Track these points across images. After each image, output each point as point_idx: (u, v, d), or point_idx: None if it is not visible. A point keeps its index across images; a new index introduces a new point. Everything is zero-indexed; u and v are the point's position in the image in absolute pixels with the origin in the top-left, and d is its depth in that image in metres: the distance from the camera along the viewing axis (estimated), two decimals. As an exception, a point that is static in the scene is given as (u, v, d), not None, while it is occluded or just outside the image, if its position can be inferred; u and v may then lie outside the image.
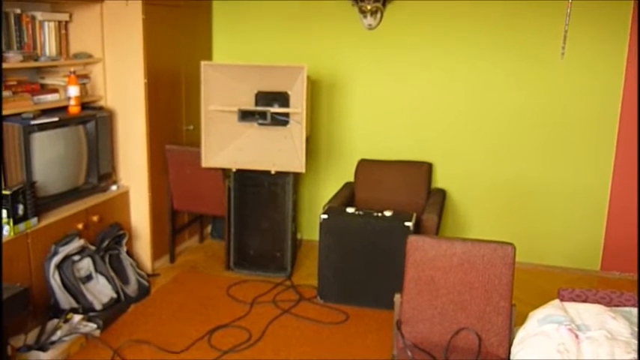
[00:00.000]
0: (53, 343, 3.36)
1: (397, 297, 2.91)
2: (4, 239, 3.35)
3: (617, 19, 4.43)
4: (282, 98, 4.44)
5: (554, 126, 4.72)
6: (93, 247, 3.96)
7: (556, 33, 4.57)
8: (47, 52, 3.99)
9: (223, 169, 4.56)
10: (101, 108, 4.28)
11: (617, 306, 2.89)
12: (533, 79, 4.70)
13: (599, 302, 2.91)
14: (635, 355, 2.27)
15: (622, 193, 4.66)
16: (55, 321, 3.49)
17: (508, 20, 4.65)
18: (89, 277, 3.86)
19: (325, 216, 4.13)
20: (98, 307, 3.77)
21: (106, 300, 3.85)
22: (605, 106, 4.59)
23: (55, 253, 3.66)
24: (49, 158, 3.78)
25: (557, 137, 4.73)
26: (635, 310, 2.75)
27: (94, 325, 3.65)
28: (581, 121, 4.66)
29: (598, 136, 4.65)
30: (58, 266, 3.65)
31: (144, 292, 4.23)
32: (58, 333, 3.42)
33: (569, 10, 4.49)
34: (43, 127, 3.68)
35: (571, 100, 4.65)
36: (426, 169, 4.84)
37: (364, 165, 4.93)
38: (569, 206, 4.80)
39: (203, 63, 4.32)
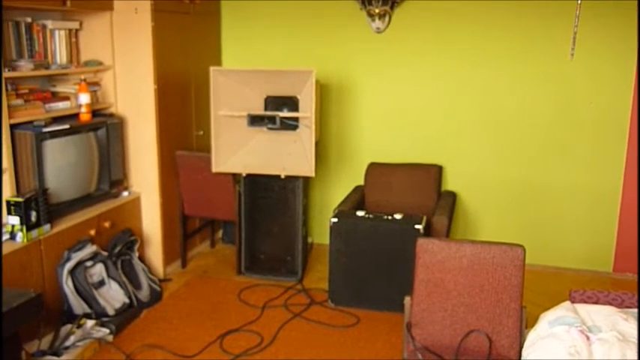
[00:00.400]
0: (67, 348, 3.39)
1: (407, 299, 2.92)
2: (17, 246, 3.39)
3: (628, 20, 4.41)
4: (292, 102, 4.46)
5: (565, 127, 4.70)
6: (105, 253, 3.99)
7: (565, 34, 4.56)
8: (58, 61, 4.03)
9: (233, 174, 4.58)
10: (112, 115, 4.31)
11: (629, 307, 2.88)
12: (542, 81, 4.69)
13: (610, 304, 2.90)
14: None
15: (634, 193, 4.63)
16: (69, 326, 3.52)
17: (517, 22, 4.64)
18: (102, 283, 3.90)
19: (335, 219, 4.14)
20: (111, 312, 3.79)
21: (118, 305, 3.88)
22: (616, 107, 4.57)
23: (68, 259, 3.69)
24: (61, 165, 3.82)
25: (568, 138, 4.71)
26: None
27: (107, 330, 3.68)
28: (591, 121, 4.64)
29: (609, 136, 4.63)
30: (71, 272, 3.68)
31: (156, 297, 4.25)
32: (72, 338, 3.45)
33: (578, 12, 4.48)
34: (54, 135, 3.71)
35: (581, 101, 4.64)
36: (436, 171, 4.84)
37: (374, 168, 4.94)
38: (581, 207, 4.78)
39: (212, 69, 4.35)
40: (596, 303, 2.91)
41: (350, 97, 5.13)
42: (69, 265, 3.66)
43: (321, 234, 5.33)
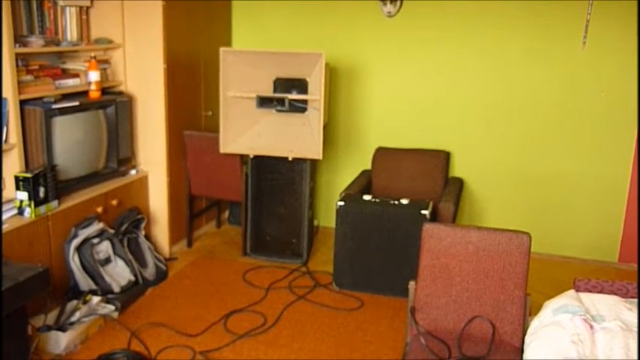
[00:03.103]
0: (72, 323, 3.41)
1: (412, 284, 2.92)
2: (25, 221, 3.41)
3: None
4: (301, 85, 4.45)
5: (574, 116, 4.68)
6: (112, 231, 4.02)
7: (576, 24, 4.52)
8: (68, 37, 4.03)
9: (241, 155, 4.59)
10: (121, 93, 4.32)
11: (634, 297, 2.88)
12: (553, 69, 4.65)
13: (615, 293, 2.89)
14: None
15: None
16: (75, 302, 3.55)
17: (529, 11, 4.60)
18: (108, 260, 3.92)
19: (342, 203, 4.14)
20: (116, 289, 3.82)
21: (124, 283, 3.91)
22: (625, 97, 4.54)
23: (75, 235, 3.71)
24: (70, 142, 3.83)
25: (577, 127, 4.69)
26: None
27: (113, 307, 3.70)
28: (601, 111, 4.61)
29: (618, 126, 4.60)
30: (78, 249, 3.71)
31: (161, 275, 4.28)
32: (77, 314, 3.47)
33: (591, 0, 4.44)
34: (64, 112, 3.72)
35: (591, 90, 4.61)
36: (443, 157, 4.83)
37: (381, 153, 4.93)
38: (588, 197, 4.76)
39: (222, 49, 4.34)
40: (600, 292, 2.91)
41: (359, 81, 5.11)
42: (76, 242, 3.68)
43: (327, 217, 5.34)
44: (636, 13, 4.37)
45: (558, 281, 4.37)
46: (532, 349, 2.44)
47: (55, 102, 3.66)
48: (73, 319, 3.44)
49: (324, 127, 4.44)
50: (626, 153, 4.61)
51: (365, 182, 4.80)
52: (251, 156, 4.56)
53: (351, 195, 4.31)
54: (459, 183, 4.84)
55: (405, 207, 4.06)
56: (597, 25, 4.48)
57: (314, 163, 4.66)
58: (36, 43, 3.65)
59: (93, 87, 4.02)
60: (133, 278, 3.98)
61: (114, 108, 4.16)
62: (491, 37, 4.74)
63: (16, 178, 3.45)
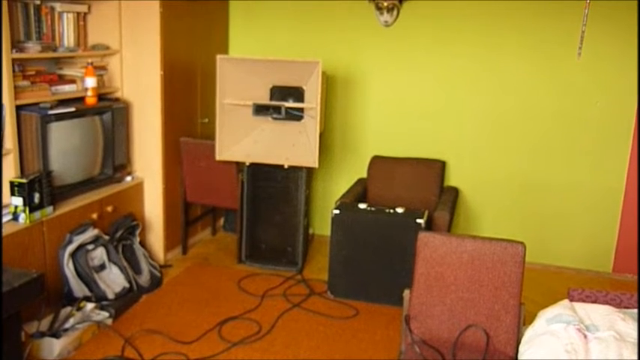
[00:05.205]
0: (66, 330, 3.40)
1: (406, 293, 2.93)
2: (19, 227, 3.40)
3: (635, 20, 4.39)
4: (297, 93, 4.46)
5: (569, 125, 4.70)
6: (107, 237, 4.01)
7: (573, 33, 4.55)
8: (65, 43, 4.03)
9: (237, 163, 4.59)
10: (117, 99, 4.32)
11: (628, 308, 2.89)
12: (548, 79, 4.68)
13: (609, 303, 2.90)
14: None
15: (636, 194, 4.63)
16: (69, 309, 3.54)
17: (524, 21, 4.62)
18: (102, 267, 3.91)
19: (337, 211, 4.14)
20: (111, 296, 3.81)
21: (118, 289, 3.89)
22: (620, 107, 4.57)
23: (70, 241, 3.70)
24: (66, 148, 3.83)
25: (572, 137, 4.71)
26: (645, 312, 2.74)
27: (107, 314, 3.69)
28: (596, 121, 4.64)
29: (613, 136, 4.62)
30: (72, 255, 3.70)
31: (156, 282, 4.27)
32: (71, 320, 3.46)
33: (586, 11, 4.47)
34: (60, 117, 3.72)
35: (586, 100, 4.63)
36: (439, 166, 4.84)
37: (377, 161, 4.94)
38: (583, 207, 4.78)
39: (219, 57, 4.35)
40: (594, 302, 2.92)
41: (355, 90, 5.12)
42: (70, 248, 3.67)
43: (322, 225, 5.34)
44: (630, 23, 4.40)
45: (552, 291, 4.38)
46: (526, 357, 2.44)
47: (52, 108, 3.66)
48: (67, 325, 3.43)
49: (320, 136, 4.45)
50: (621, 163, 4.63)
51: (360, 190, 4.80)
52: (247, 163, 4.56)
53: (347, 203, 4.31)
54: (455, 192, 4.85)
55: (401, 216, 4.06)
56: (593, 37, 4.51)
57: (310, 171, 4.67)
58: (33, 49, 3.65)
59: (89, 93, 4.02)
60: (127, 285, 3.97)
61: (110, 114, 4.16)
62: (487, 48, 4.76)
63: (12, 184, 3.44)
